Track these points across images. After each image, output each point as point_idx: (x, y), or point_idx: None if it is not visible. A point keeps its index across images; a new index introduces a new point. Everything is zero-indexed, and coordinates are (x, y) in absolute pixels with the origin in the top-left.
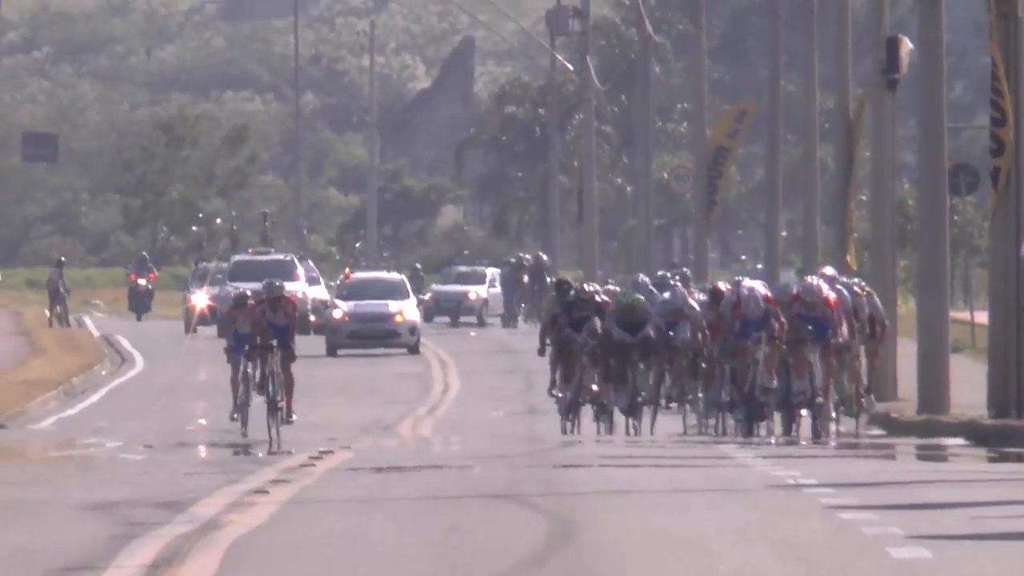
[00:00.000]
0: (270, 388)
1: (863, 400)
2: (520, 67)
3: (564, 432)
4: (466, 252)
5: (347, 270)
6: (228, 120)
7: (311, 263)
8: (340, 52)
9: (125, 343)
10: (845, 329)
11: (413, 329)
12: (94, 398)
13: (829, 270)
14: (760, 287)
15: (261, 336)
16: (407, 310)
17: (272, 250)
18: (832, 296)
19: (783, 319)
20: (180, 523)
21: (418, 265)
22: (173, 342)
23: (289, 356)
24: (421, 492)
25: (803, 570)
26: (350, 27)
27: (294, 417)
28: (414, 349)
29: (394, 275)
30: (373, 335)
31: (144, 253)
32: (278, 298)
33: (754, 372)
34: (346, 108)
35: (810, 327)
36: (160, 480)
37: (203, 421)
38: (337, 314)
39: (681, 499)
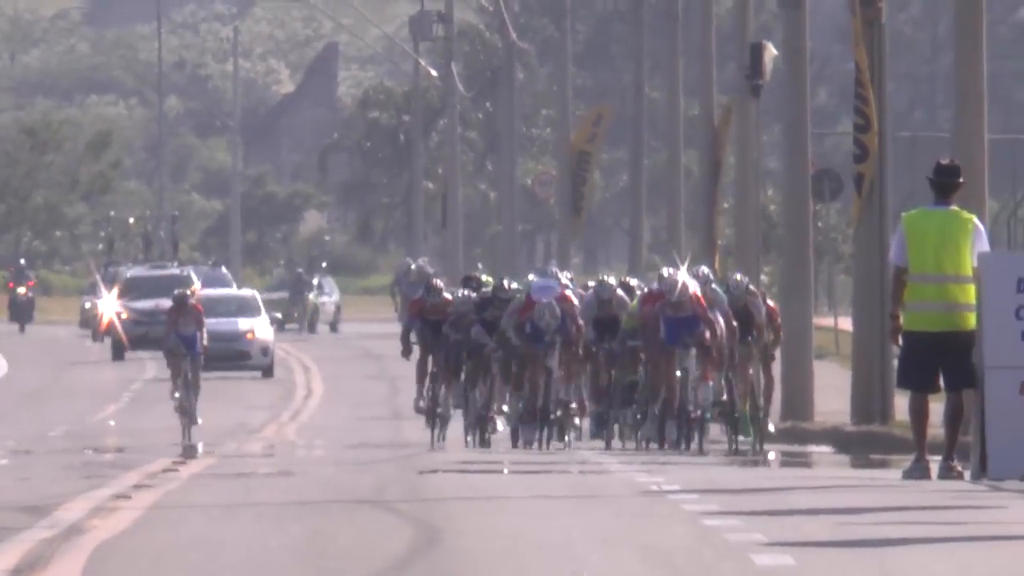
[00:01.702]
0: None
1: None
2: (384, 72)
3: (432, 445)
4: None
5: (193, 286)
6: (92, 125)
7: (224, 270)
8: (204, 58)
9: None
10: (724, 330)
11: (266, 350)
12: None
13: (704, 270)
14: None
15: None
16: (259, 329)
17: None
18: (698, 293)
19: (581, 323)
20: (43, 528)
21: (300, 270)
22: (59, 349)
23: None
24: (285, 497)
25: (667, 575)
26: (214, 33)
27: None
28: (268, 372)
29: (245, 291)
30: (222, 356)
31: (22, 260)
32: None
33: (547, 383)
34: (209, 113)
35: (681, 330)
36: (23, 485)
37: (65, 428)
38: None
39: (545, 505)
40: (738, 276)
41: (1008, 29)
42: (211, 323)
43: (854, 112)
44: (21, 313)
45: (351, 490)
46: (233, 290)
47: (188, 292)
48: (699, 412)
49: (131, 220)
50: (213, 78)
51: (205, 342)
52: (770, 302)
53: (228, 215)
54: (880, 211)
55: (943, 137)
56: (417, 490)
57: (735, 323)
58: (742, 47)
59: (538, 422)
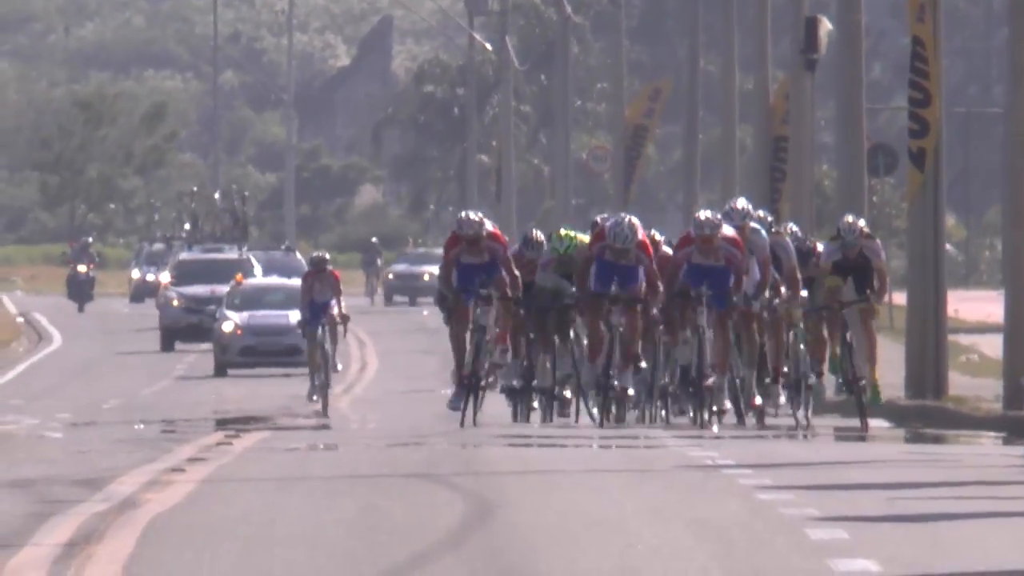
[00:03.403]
0: None
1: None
2: (439, 46)
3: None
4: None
5: (239, 275)
6: (147, 98)
7: (299, 256)
8: (259, 31)
9: (43, 320)
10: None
11: None
12: (11, 375)
13: (742, 202)
14: None
15: None
16: None
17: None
18: (642, 237)
19: (516, 273)
20: (97, 501)
21: (375, 239)
22: (109, 321)
23: None
24: (338, 471)
25: (721, 550)
26: (269, 6)
27: None
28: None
29: (296, 280)
30: (271, 351)
31: (87, 239)
32: None
33: (477, 343)
34: (264, 86)
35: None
36: (78, 458)
37: (113, 402)
38: (228, 327)
39: (597, 479)
40: (850, 218)
41: None
42: (258, 316)
43: (910, 87)
44: (80, 292)
45: (404, 464)
46: (283, 280)
47: (325, 256)
48: (617, 384)
49: (216, 195)
50: (268, 51)
51: (343, 309)
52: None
53: (282, 188)
54: (935, 187)
55: (998, 113)
56: (469, 463)
57: (848, 274)
58: (797, 21)
59: (463, 390)
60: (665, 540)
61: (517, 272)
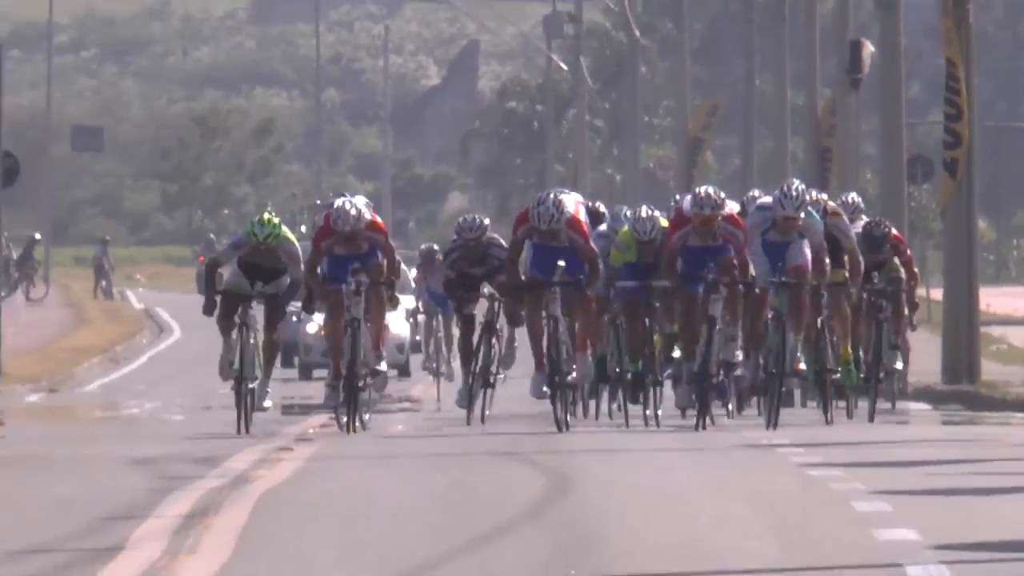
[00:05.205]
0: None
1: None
2: (520, 67)
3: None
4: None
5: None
6: (256, 114)
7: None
8: (358, 53)
9: (164, 314)
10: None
11: (402, 347)
12: (135, 364)
13: (797, 186)
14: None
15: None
16: (393, 323)
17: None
18: (573, 214)
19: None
20: (213, 477)
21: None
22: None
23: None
24: (428, 450)
25: (776, 521)
26: (367, 31)
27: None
28: (404, 371)
29: None
30: None
31: (211, 235)
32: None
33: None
34: (363, 103)
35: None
36: (195, 438)
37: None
38: (312, 328)
39: (662, 458)
40: (813, 194)
41: None
42: None
43: (945, 103)
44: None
45: (488, 444)
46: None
47: (434, 247)
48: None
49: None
50: (366, 72)
51: None
52: (894, 231)
53: (379, 196)
54: (968, 193)
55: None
56: (549, 444)
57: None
58: (842, 44)
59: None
60: (725, 512)
61: (399, 258)
